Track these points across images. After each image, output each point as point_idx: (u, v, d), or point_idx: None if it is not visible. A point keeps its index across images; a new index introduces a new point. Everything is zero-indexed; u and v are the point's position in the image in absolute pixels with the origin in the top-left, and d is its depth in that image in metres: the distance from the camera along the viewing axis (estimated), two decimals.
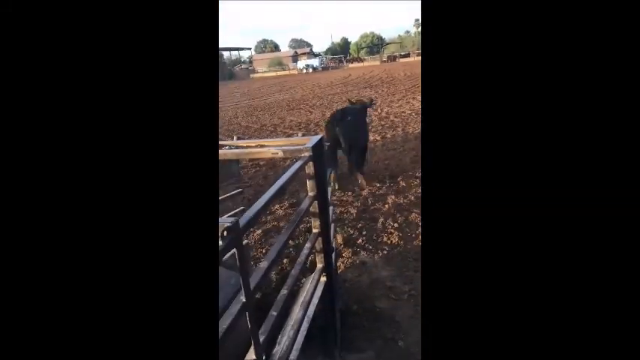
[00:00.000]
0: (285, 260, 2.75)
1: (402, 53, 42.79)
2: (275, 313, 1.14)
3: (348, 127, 3.97)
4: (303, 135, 1.97)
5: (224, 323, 0.86)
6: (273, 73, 39.66)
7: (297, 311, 1.45)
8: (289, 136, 7.27)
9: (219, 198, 2.24)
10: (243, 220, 0.94)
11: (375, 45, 56.75)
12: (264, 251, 3.01)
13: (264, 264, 1.11)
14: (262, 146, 1.79)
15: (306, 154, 1.56)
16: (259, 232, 3.28)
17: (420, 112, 7.97)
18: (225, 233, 0.86)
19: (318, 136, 1.71)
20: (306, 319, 1.43)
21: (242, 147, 1.80)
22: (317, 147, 1.62)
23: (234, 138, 1.94)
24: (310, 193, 1.63)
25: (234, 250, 0.90)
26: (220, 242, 0.86)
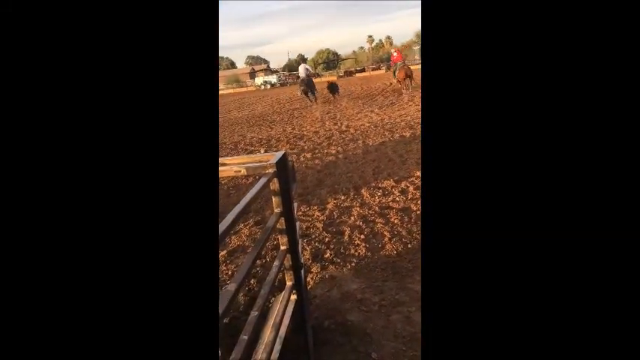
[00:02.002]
0: (252, 280, 2.68)
1: (358, 68, 44.13)
2: (246, 337, 1.10)
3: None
4: (266, 151, 1.95)
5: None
6: (231, 90, 39.33)
7: (268, 333, 1.40)
8: (251, 152, 7.19)
9: None
10: None
11: (331, 61, 58.12)
12: (230, 272, 2.92)
13: (232, 286, 1.07)
14: (224, 164, 1.75)
15: (270, 170, 1.54)
16: (223, 252, 3.18)
17: (377, 125, 8.20)
18: None
19: (282, 152, 1.70)
20: (278, 340, 1.38)
21: None
22: (281, 162, 1.60)
23: None
24: (276, 210, 1.60)
25: None
26: None
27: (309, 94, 13.37)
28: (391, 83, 14.76)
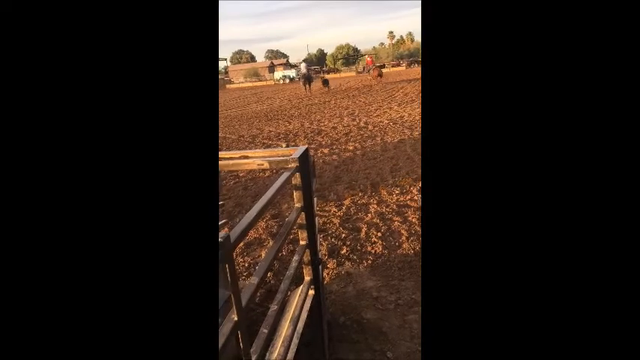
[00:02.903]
0: (268, 274, 2.69)
1: (378, 64, 43.70)
2: (266, 331, 1.10)
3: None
4: (287, 146, 1.95)
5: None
6: (250, 84, 39.54)
7: (285, 327, 1.41)
8: (269, 146, 7.22)
9: None
10: (234, 235, 0.90)
11: (350, 56, 57.71)
12: (246, 265, 2.94)
13: (254, 279, 1.07)
14: (246, 157, 1.75)
15: (293, 165, 1.54)
16: (241, 244, 3.21)
17: (396, 122, 8.12)
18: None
19: (304, 147, 1.69)
20: (295, 334, 1.38)
21: (225, 158, 1.75)
22: (303, 158, 1.60)
23: None
24: (297, 205, 1.60)
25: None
26: None
27: (307, 85, 18.91)
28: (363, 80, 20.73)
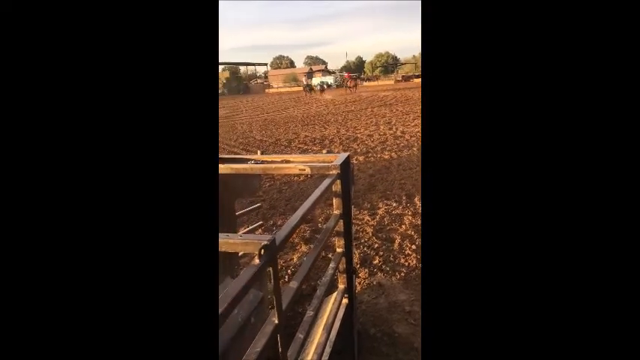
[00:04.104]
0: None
1: (417, 74, 43.10)
2: (302, 336, 1.10)
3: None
4: (328, 152, 1.95)
5: (256, 346, 0.83)
6: (288, 89, 40.19)
7: (319, 334, 1.41)
8: (304, 151, 7.29)
9: (238, 213, 2.22)
10: (278, 238, 0.92)
11: (389, 64, 57.33)
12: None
13: (293, 284, 1.08)
14: (288, 162, 1.78)
15: (334, 171, 1.54)
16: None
17: None
18: (262, 251, 0.84)
19: (345, 154, 1.69)
20: (328, 342, 1.38)
21: (267, 161, 1.79)
22: (345, 165, 1.60)
23: (259, 153, 1.94)
24: (336, 212, 1.60)
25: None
26: (257, 260, 0.84)
27: (310, 90, 26.84)
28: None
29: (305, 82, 28.87)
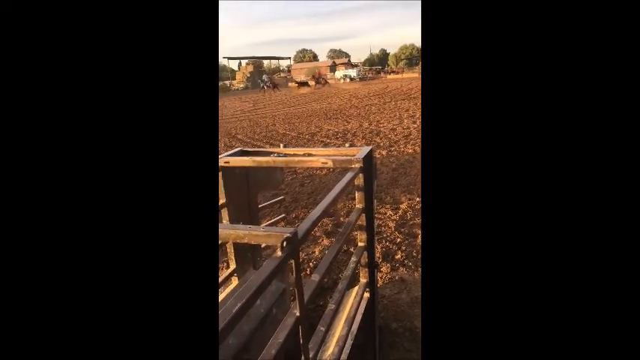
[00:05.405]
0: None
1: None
2: (323, 329, 1.11)
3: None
4: (351, 145, 1.94)
5: (278, 337, 0.84)
6: (312, 82, 40.13)
7: (340, 327, 1.41)
8: (326, 145, 7.28)
9: (261, 205, 2.24)
10: (301, 231, 0.92)
11: (414, 57, 56.25)
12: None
13: (315, 276, 1.08)
14: (310, 155, 1.78)
15: (357, 165, 1.53)
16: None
17: None
18: (284, 244, 0.84)
19: (368, 148, 1.67)
20: (350, 336, 1.38)
21: (290, 155, 1.79)
22: (367, 158, 1.58)
23: (281, 146, 1.94)
24: (358, 206, 1.59)
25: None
26: (279, 252, 0.84)
27: (266, 87, 27.29)
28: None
29: (265, 81, 28.57)
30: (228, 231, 0.93)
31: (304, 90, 26.61)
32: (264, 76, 30.23)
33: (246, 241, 0.89)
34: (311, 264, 2.92)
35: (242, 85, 39.05)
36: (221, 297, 1.75)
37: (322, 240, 3.31)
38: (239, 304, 0.67)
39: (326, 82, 28.76)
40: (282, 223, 3.27)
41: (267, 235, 0.87)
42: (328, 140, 7.75)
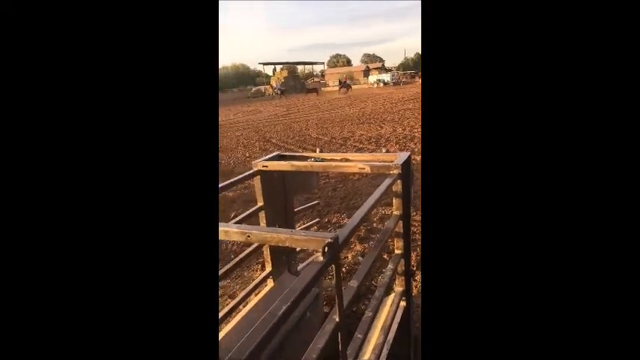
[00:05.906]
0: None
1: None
2: (360, 336, 1.10)
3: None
4: (387, 151, 1.92)
5: (318, 343, 0.84)
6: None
7: (376, 335, 1.39)
8: (359, 150, 7.25)
9: (296, 209, 2.27)
10: (341, 236, 0.92)
11: None
12: None
13: (353, 283, 1.08)
14: (347, 160, 1.78)
15: (395, 171, 1.51)
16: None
17: None
18: (326, 249, 0.85)
19: (407, 154, 1.65)
20: (386, 344, 1.36)
21: (327, 160, 1.80)
22: (405, 165, 1.56)
23: (317, 150, 1.96)
24: (396, 213, 1.57)
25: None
26: (321, 258, 0.85)
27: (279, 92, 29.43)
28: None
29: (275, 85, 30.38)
30: (270, 234, 0.95)
31: (340, 93, 27.50)
32: (274, 83, 32.34)
33: (287, 244, 0.90)
34: (344, 269, 2.91)
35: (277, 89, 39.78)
36: (257, 299, 1.78)
37: (355, 245, 3.29)
38: (284, 307, 0.68)
39: (350, 87, 29.35)
40: (315, 227, 3.28)
41: (307, 239, 0.88)
42: (361, 145, 7.71)
